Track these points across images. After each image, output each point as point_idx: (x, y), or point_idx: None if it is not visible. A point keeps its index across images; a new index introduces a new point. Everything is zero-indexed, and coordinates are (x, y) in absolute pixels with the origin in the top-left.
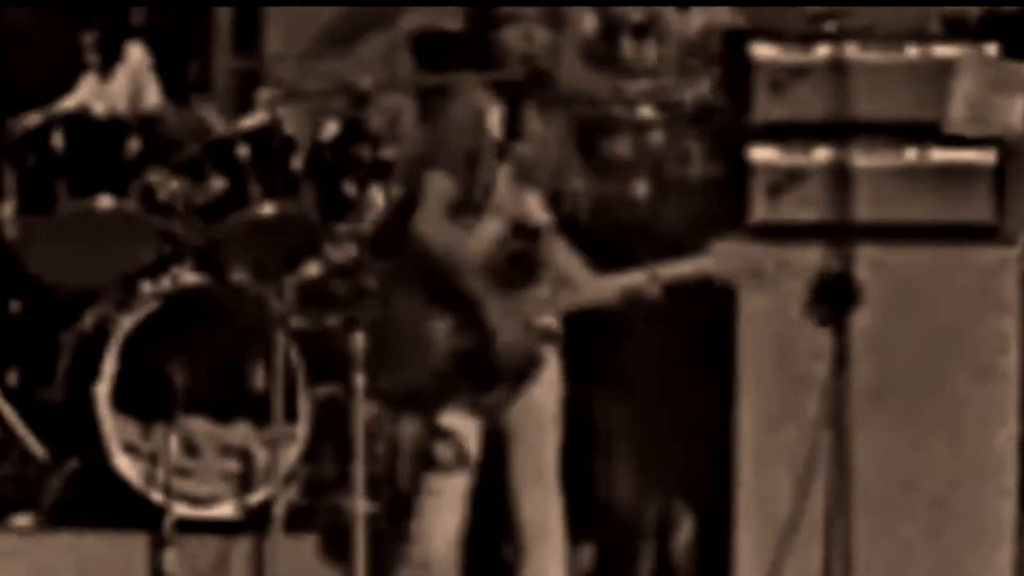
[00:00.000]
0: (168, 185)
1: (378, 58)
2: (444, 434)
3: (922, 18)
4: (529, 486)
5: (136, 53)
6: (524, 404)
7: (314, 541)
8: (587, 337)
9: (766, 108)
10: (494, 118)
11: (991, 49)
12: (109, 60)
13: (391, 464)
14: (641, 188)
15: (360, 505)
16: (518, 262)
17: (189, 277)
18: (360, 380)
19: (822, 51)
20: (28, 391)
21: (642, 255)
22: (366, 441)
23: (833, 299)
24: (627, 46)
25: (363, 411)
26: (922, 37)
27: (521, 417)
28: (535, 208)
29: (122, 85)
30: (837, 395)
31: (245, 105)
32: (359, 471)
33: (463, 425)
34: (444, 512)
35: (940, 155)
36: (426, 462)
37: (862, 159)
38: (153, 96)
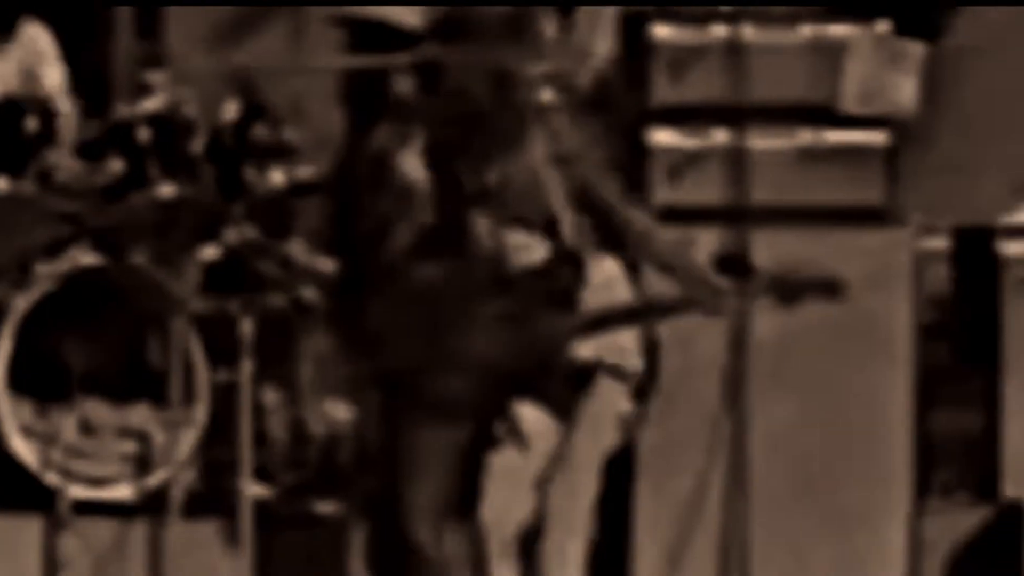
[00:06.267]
0: (66, 166)
1: (283, 41)
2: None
3: None
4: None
5: (32, 32)
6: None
7: (211, 525)
8: None
9: (664, 90)
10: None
11: (883, 27)
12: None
13: (294, 449)
14: None
15: (248, 488)
16: None
17: (87, 258)
18: (248, 365)
19: (718, 31)
20: None
21: None
22: (264, 426)
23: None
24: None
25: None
26: (816, 16)
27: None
28: None
29: (13, 65)
30: (734, 379)
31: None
32: (246, 454)
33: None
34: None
35: (833, 137)
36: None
37: (758, 141)
38: (54, 79)
